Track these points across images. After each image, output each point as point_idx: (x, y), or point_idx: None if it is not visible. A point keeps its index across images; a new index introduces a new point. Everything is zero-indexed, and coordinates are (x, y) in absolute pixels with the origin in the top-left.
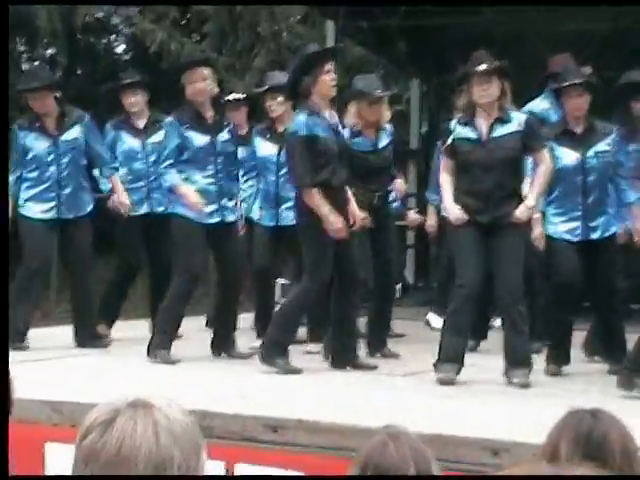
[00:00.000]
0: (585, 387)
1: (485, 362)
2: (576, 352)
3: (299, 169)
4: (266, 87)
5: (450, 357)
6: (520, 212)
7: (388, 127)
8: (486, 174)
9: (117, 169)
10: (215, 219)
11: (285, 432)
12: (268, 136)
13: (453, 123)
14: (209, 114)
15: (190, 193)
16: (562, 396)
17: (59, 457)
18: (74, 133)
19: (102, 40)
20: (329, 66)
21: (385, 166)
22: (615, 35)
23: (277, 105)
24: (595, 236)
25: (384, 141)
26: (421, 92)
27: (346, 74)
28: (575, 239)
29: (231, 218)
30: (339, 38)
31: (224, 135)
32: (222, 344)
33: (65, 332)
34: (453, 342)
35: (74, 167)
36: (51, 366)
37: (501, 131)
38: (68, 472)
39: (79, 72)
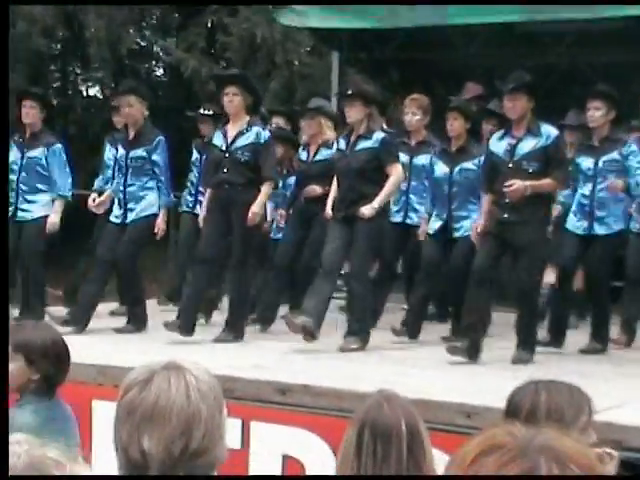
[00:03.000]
0: (542, 361)
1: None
2: None
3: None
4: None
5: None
6: (365, 209)
7: (337, 144)
8: (344, 179)
9: (65, 197)
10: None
11: (292, 395)
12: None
13: (341, 137)
14: (130, 134)
15: None
16: (522, 368)
17: (104, 412)
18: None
19: (144, 65)
20: (228, 89)
21: (315, 176)
22: (574, 70)
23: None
24: (457, 234)
25: (320, 156)
26: None
27: None
28: (440, 235)
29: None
30: (342, 67)
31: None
32: None
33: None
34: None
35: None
36: (98, 336)
37: (361, 146)
38: (111, 425)
39: None
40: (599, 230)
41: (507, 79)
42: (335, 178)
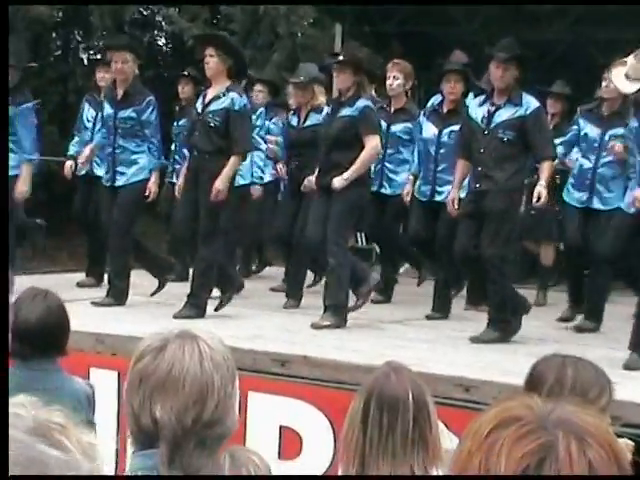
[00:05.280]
0: (541, 337)
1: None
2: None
3: None
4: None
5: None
6: (336, 180)
7: (325, 110)
8: (325, 148)
9: (30, 160)
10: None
11: (291, 366)
12: None
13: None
14: (119, 92)
15: None
16: (521, 343)
17: (102, 380)
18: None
19: (147, 34)
20: (206, 51)
21: (305, 142)
22: (574, 45)
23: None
24: (439, 198)
25: (311, 121)
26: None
27: None
28: (424, 199)
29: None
30: (345, 40)
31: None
32: None
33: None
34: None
35: None
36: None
37: (342, 113)
38: (110, 393)
39: None
40: (597, 205)
41: (497, 46)
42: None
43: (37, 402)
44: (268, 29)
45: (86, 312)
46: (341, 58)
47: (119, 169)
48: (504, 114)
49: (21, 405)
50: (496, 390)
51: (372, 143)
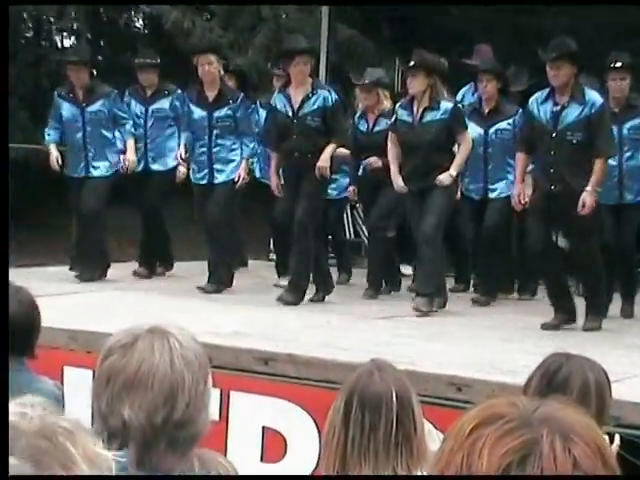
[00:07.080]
0: (540, 335)
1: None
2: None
3: None
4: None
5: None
6: (443, 177)
7: (395, 114)
8: (415, 151)
9: (133, 134)
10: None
11: (275, 365)
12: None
13: (397, 105)
14: (209, 94)
15: None
16: (518, 340)
17: (76, 379)
18: (99, 105)
19: (123, 15)
20: (297, 59)
21: (377, 147)
22: (568, 30)
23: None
24: (493, 195)
25: (379, 126)
26: (400, 72)
27: (337, 51)
28: (476, 197)
29: None
30: (332, 23)
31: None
32: None
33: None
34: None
35: (97, 133)
36: (70, 300)
37: (430, 118)
38: (84, 392)
39: (102, 43)
40: (628, 197)
41: (549, 46)
42: (392, 148)
43: (49, 405)
44: (252, 10)
45: (59, 307)
46: (412, 63)
47: (217, 166)
48: (571, 115)
49: (30, 405)
50: (490, 389)
51: (467, 139)
